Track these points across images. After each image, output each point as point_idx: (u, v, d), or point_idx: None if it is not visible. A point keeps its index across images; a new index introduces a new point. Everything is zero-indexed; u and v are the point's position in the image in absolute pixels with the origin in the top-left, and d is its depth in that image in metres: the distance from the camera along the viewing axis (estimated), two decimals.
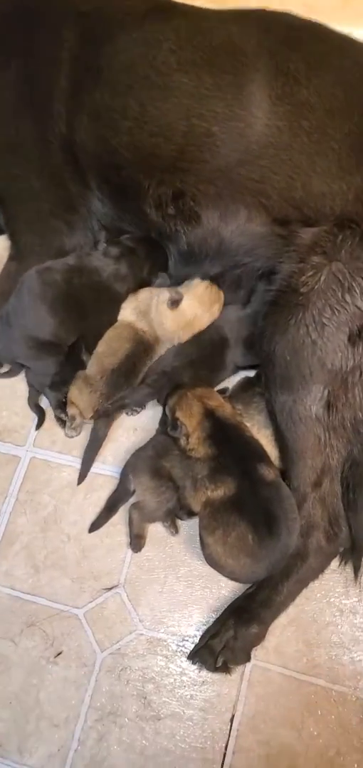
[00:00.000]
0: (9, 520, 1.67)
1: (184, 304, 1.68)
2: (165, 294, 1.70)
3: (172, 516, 1.60)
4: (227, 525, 1.39)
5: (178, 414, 1.51)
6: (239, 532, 1.38)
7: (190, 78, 1.54)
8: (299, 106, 1.51)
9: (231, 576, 1.46)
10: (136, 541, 1.59)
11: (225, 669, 1.44)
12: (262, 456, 1.49)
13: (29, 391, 1.78)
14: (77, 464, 1.71)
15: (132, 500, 1.61)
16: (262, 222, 1.56)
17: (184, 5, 1.72)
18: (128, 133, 1.59)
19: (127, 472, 1.60)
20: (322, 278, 1.44)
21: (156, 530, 1.62)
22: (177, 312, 1.68)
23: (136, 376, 1.71)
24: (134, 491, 1.59)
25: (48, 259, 1.71)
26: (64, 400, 1.71)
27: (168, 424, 1.54)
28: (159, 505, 1.54)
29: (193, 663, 1.47)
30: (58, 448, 1.74)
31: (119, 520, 1.64)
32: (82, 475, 1.68)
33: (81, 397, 1.66)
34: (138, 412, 1.75)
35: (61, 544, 1.64)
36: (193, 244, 1.66)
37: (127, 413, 1.74)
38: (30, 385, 1.77)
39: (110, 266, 1.72)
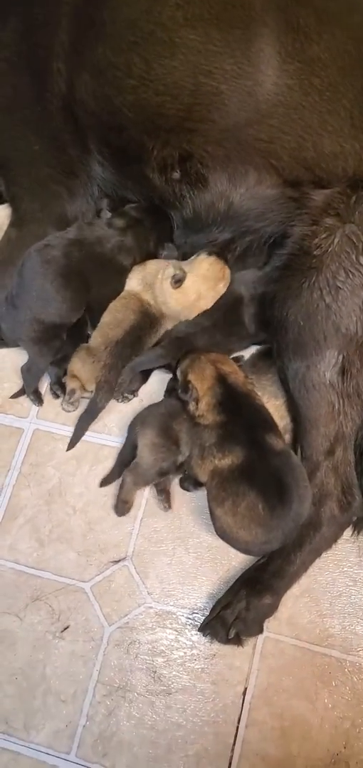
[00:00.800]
0: (12, 494, 1.61)
1: (188, 282, 1.62)
2: (169, 270, 1.64)
3: (166, 488, 1.56)
4: (236, 495, 1.34)
5: (190, 376, 1.46)
6: (249, 502, 1.34)
7: (197, 34, 1.46)
8: (310, 63, 1.44)
9: (243, 548, 1.41)
10: (121, 506, 1.55)
11: (237, 641, 1.40)
12: (271, 425, 1.44)
13: (25, 379, 1.70)
14: (84, 435, 1.65)
15: None
16: (272, 184, 1.50)
17: None
18: (132, 92, 1.52)
19: (135, 423, 1.55)
20: (336, 240, 1.39)
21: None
22: (180, 291, 1.62)
23: (142, 349, 1.65)
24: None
25: (49, 225, 1.65)
26: (63, 375, 1.67)
27: (178, 387, 1.49)
28: (154, 463, 1.48)
29: (205, 635, 1.42)
30: (62, 420, 1.68)
31: None
32: (73, 442, 1.62)
33: (84, 368, 1.61)
34: (129, 399, 1.68)
35: (66, 517, 1.59)
36: (200, 209, 1.60)
37: (118, 400, 1.67)
38: (27, 371, 1.69)
39: (115, 237, 1.66)
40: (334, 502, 1.42)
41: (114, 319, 1.64)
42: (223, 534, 1.38)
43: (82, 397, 1.65)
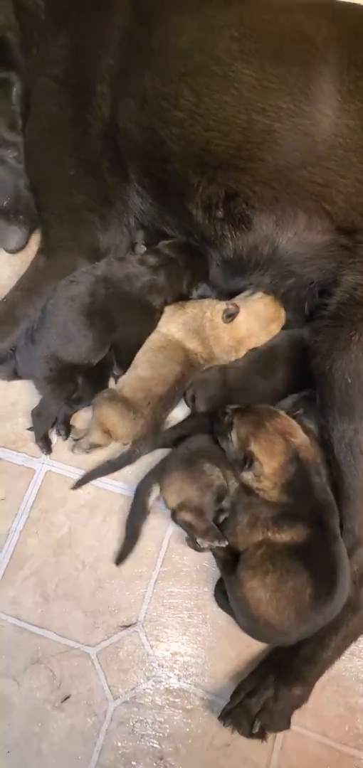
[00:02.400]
0: (19, 540, 1.45)
1: (241, 317, 1.51)
2: (221, 305, 1.53)
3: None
4: (287, 572, 1.19)
5: (254, 448, 1.27)
6: (298, 584, 1.19)
7: (253, 69, 1.37)
8: None
9: (263, 629, 1.23)
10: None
11: (261, 735, 1.23)
12: (334, 508, 1.29)
13: (35, 423, 1.54)
14: (98, 482, 1.50)
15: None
16: (323, 230, 1.39)
17: None
18: (179, 125, 1.41)
19: (147, 482, 1.41)
20: None
21: (181, 563, 1.42)
22: (232, 326, 1.50)
23: (178, 397, 1.53)
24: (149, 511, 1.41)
25: (80, 255, 1.52)
26: (71, 416, 1.55)
27: (233, 453, 1.30)
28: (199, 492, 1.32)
29: (226, 725, 1.24)
30: (77, 463, 1.53)
31: (140, 548, 1.43)
32: (81, 483, 1.48)
33: (122, 424, 1.45)
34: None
35: (74, 571, 1.42)
36: (242, 251, 1.47)
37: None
38: (37, 415, 1.54)
39: (146, 276, 1.53)
40: None
41: (158, 375, 1.49)
42: (243, 606, 1.23)
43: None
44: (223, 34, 1.40)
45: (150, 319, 1.55)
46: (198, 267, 1.57)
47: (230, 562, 1.29)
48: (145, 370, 1.48)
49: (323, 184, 1.36)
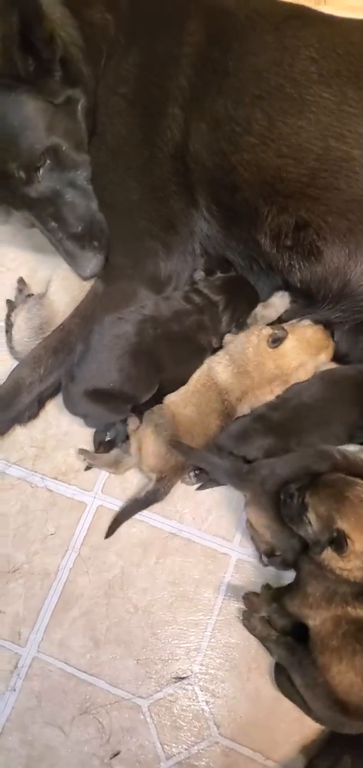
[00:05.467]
0: (68, 579, 1.34)
1: (288, 344, 1.39)
2: (267, 330, 1.41)
3: None
4: None
5: (343, 526, 1.07)
6: None
7: (332, 92, 1.26)
8: None
9: (353, 716, 1.08)
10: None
11: None
12: None
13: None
14: (152, 520, 1.39)
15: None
16: None
17: (324, 13, 1.44)
18: (251, 150, 1.31)
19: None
20: None
21: (241, 611, 1.28)
22: (278, 352, 1.38)
23: None
24: None
25: (141, 284, 1.43)
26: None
27: (315, 538, 1.10)
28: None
29: None
30: (129, 497, 1.41)
31: (196, 594, 1.32)
32: (112, 529, 1.37)
33: (155, 457, 1.34)
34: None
35: (126, 615, 1.31)
36: (309, 282, 1.36)
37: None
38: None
39: (193, 315, 1.43)
40: None
41: (201, 423, 1.37)
42: (328, 695, 1.08)
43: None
44: (300, 54, 1.29)
45: (199, 357, 1.44)
46: (237, 305, 1.45)
47: (292, 644, 1.15)
48: (193, 412, 1.36)
49: None
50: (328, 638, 1.08)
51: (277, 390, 1.41)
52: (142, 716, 1.23)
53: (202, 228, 1.42)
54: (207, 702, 1.24)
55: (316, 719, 1.15)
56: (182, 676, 1.26)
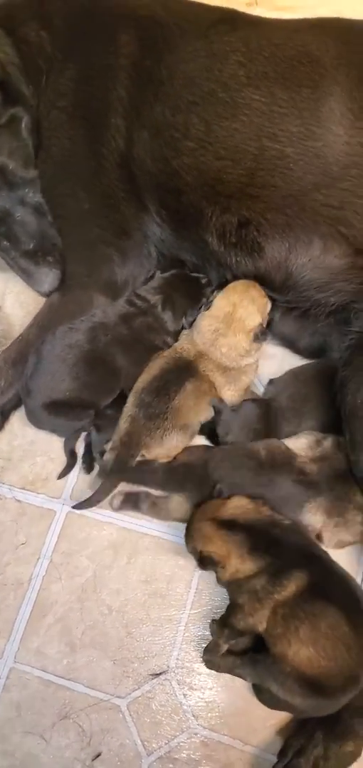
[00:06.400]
0: (41, 587, 1.35)
1: (217, 298, 1.43)
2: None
3: None
4: (315, 616, 1.08)
5: (199, 546, 1.19)
6: (331, 619, 1.08)
7: (261, 94, 1.30)
8: None
9: (328, 690, 1.10)
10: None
11: None
12: (312, 541, 1.22)
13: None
14: (121, 522, 1.40)
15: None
16: (340, 254, 1.30)
17: (252, 16, 1.49)
18: (191, 155, 1.35)
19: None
20: None
21: (212, 604, 1.31)
22: (211, 308, 1.42)
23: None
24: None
25: (96, 291, 1.44)
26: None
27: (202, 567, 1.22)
28: None
29: None
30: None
31: (168, 590, 1.33)
32: (79, 506, 1.35)
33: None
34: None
35: (100, 617, 1.32)
36: (255, 277, 1.40)
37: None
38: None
39: (138, 317, 1.45)
40: None
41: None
42: (297, 679, 1.09)
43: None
44: (229, 59, 1.34)
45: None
46: (178, 301, 1.47)
47: (253, 658, 1.18)
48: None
49: (339, 207, 1.28)
50: (273, 630, 1.11)
51: (226, 350, 1.40)
52: (121, 715, 1.24)
53: (155, 232, 1.46)
54: (184, 695, 1.25)
55: (304, 714, 1.16)
56: (159, 672, 1.27)
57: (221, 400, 1.39)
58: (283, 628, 1.09)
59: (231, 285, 1.44)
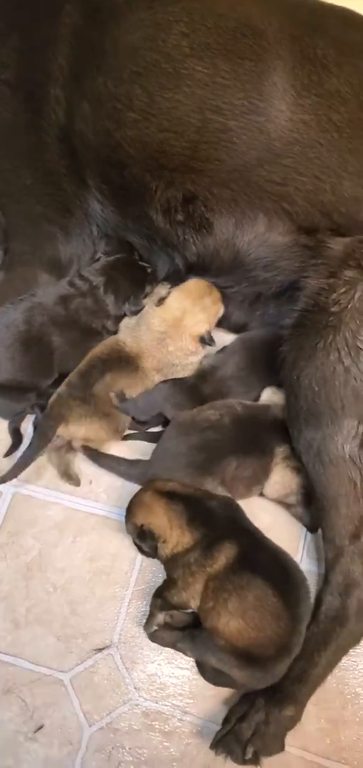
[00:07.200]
0: None
1: (170, 298, 1.43)
2: (155, 297, 1.46)
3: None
4: (242, 588, 1.10)
5: (140, 520, 1.21)
6: (258, 591, 1.10)
7: (204, 65, 1.26)
8: (328, 97, 1.25)
9: (261, 661, 1.12)
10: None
11: (255, 761, 1.13)
12: (238, 508, 1.25)
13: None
14: (67, 501, 1.41)
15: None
16: (284, 231, 1.30)
17: None
18: (134, 127, 1.31)
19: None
20: (357, 295, 1.17)
21: (156, 581, 1.32)
22: (163, 307, 1.43)
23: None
24: None
25: (40, 269, 1.43)
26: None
27: (139, 543, 1.24)
28: None
29: (217, 753, 1.14)
30: (44, 483, 1.43)
31: (113, 567, 1.35)
32: (7, 476, 1.34)
33: None
34: None
35: (45, 595, 1.33)
36: (204, 255, 1.38)
37: None
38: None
39: (77, 298, 1.44)
40: (361, 591, 1.18)
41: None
42: (232, 651, 1.11)
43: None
44: (172, 29, 1.29)
45: (93, 341, 1.45)
46: (121, 285, 1.47)
47: (191, 633, 1.19)
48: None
49: (281, 183, 1.26)
50: (204, 604, 1.13)
51: (173, 349, 1.42)
52: (64, 689, 1.26)
53: (96, 209, 1.43)
54: (127, 669, 1.27)
55: (245, 687, 1.18)
56: (102, 647, 1.29)
57: (123, 395, 1.39)
58: (213, 601, 1.12)
59: (187, 285, 1.44)
